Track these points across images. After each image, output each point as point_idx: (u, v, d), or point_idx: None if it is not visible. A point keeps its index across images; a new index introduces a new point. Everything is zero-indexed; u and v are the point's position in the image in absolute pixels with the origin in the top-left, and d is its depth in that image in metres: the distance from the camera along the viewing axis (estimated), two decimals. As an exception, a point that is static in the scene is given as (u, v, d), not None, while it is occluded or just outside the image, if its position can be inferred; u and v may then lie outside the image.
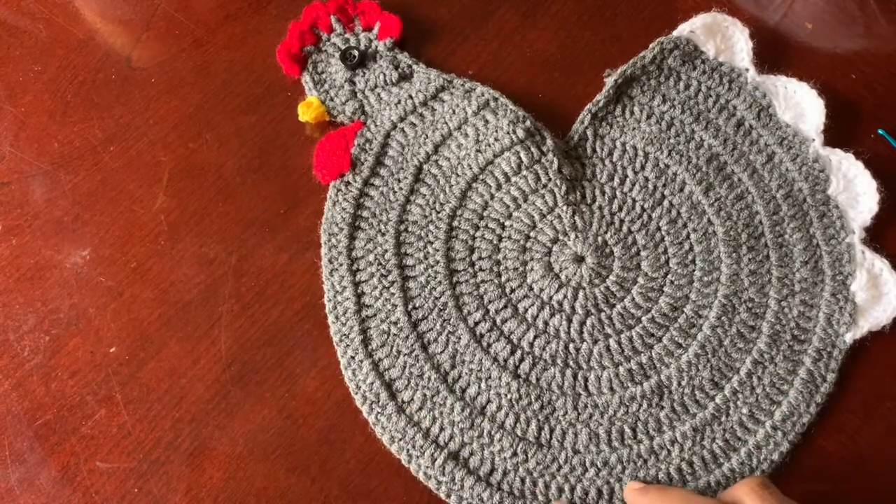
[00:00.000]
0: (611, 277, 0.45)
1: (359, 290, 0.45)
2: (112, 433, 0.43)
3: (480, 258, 0.46)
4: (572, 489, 0.41)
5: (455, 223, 0.46)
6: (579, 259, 0.46)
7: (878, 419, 0.43)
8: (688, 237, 0.46)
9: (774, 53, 0.51)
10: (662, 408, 0.42)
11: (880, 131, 0.49)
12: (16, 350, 0.44)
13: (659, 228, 0.46)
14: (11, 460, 0.42)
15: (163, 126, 0.50)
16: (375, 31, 0.51)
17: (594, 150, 0.48)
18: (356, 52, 0.50)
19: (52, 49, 0.52)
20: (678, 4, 0.53)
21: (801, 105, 0.48)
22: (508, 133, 0.46)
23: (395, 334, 0.44)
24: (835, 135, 0.47)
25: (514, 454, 0.41)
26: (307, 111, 0.48)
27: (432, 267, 0.45)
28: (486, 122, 0.47)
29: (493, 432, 0.42)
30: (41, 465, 0.42)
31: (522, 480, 0.41)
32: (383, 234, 0.46)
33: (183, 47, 0.52)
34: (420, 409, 0.42)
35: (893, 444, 0.43)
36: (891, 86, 0.51)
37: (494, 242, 0.46)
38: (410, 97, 0.49)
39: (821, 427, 0.43)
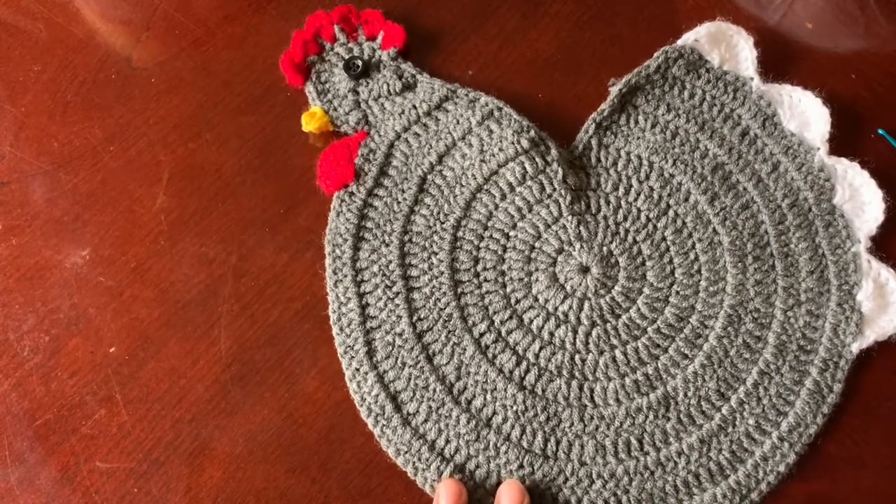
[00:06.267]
0: (616, 288, 0.45)
1: (363, 302, 0.45)
2: (112, 433, 0.43)
3: (485, 269, 0.46)
4: (579, 501, 0.41)
5: (459, 234, 0.46)
6: (584, 269, 0.45)
7: (879, 419, 0.43)
8: (693, 247, 0.46)
9: (774, 54, 0.51)
10: (669, 419, 0.42)
11: (880, 131, 0.49)
12: (16, 350, 0.44)
13: (664, 238, 0.46)
14: (11, 460, 0.42)
15: (163, 126, 0.50)
16: (379, 40, 0.51)
17: (599, 160, 0.48)
18: (360, 62, 0.49)
19: (52, 49, 0.52)
20: (678, 4, 0.53)
21: (806, 114, 0.48)
22: (513, 143, 0.46)
23: (399, 346, 0.44)
24: (834, 135, 0.47)
25: (521, 466, 0.41)
26: (311, 121, 0.48)
27: (437, 278, 0.45)
28: (491, 132, 0.47)
29: (499, 444, 0.42)
30: (41, 465, 0.42)
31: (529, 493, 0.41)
32: (387, 245, 0.46)
33: (183, 47, 0.52)
34: (425, 421, 0.42)
35: (894, 445, 0.43)
36: (891, 86, 0.51)
37: (499, 253, 0.46)
38: (414, 107, 0.49)
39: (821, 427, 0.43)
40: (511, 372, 0.43)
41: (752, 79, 0.49)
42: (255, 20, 0.53)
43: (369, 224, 0.46)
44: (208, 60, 0.52)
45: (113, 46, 0.52)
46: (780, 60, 0.51)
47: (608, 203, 0.47)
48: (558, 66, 0.52)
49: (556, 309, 0.44)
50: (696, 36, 0.49)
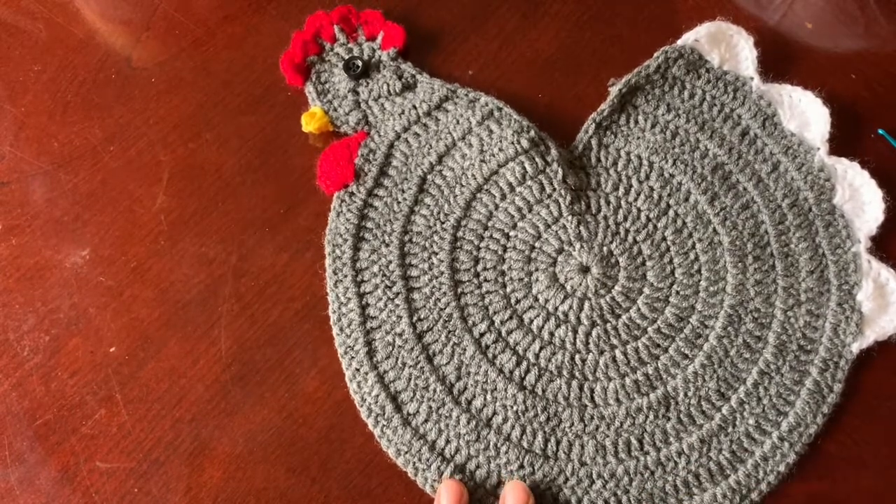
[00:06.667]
0: (616, 288, 0.45)
1: (363, 302, 0.45)
2: (112, 433, 0.43)
3: (485, 269, 0.46)
4: (579, 501, 0.41)
5: (459, 234, 0.46)
6: (584, 269, 0.45)
7: (879, 419, 0.43)
8: (693, 247, 0.46)
9: (774, 54, 0.51)
10: (669, 419, 0.42)
11: (880, 131, 0.49)
12: (16, 350, 0.44)
13: (664, 238, 0.46)
14: (11, 460, 0.42)
15: (163, 126, 0.50)
16: (379, 40, 0.51)
17: (599, 160, 0.48)
18: (360, 63, 0.49)
19: (52, 49, 0.52)
20: (678, 4, 0.53)
21: (806, 114, 0.48)
22: (513, 143, 0.46)
23: (400, 346, 0.44)
24: (834, 135, 0.47)
25: (521, 466, 0.41)
26: (311, 121, 0.48)
27: (437, 278, 0.45)
28: (491, 132, 0.47)
29: (499, 444, 0.42)
30: (41, 465, 0.42)
31: (529, 493, 0.41)
32: (387, 245, 0.46)
33: (183, 47, 0.52)
34: (426, 421, 0.42)
35: (894, 445, 0.43)
36: (891, 86, 0.51)
37: (499, 253, 0.46)
38: (414, 107, 0.49)
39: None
40: (511, 372, 0.43)
41: (752, 79, 0.49)
42: (255, 20, 0.53)
43: (369, 224, 0.46)
44: (208, 60, 0.52)
45: (113, 46, 0.52)
46: (780, 60, 0.51)
47: (608, 203, 0.47)
48: (558, 66, 0.52)
49: (556, 309, 0.44)
50: (696, 36, 0.49)
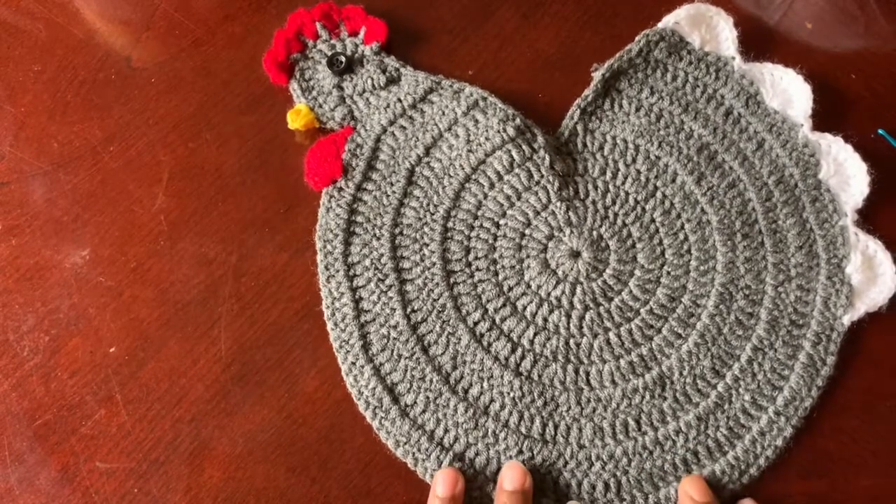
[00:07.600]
0: (607, 271, 0.45)
1: (356, 296, 0.45)
2: (112, 433, 0.43)
3: (477, 258, 0.46)
4: (579, 484, 0.41)
5: (450, 224, 0.46)
6: (575, 254, 0.46)
7: (878, 418, 0.43)
8: (682, 227, 0.46)
9: (774, 53, 0.51)
10: (665, 398, 0.43)
11: (880, 131, 0.49)
12: (16, 350, 0.44)
13: (653, 220, 0.46)
14: (11, 460, 0.42)
15: (163, 126, 0.50)
16: (361, 35, 0.51)
17: (585, 145, 0.48)
18: (343, 58, 0.49)
19: (52, 49, 0.52)
20: (679, 5, 0.53)
21: (788, 91, 0.48)
22: (499, 132, 0.46)
23: (394, 338, 0.44)
24: (835, 135, 0.47)
25: (520, 452, 0.41)
26: (296, 119, 0.48)
27: (429, 269, 0.45)
28: (476, 121, 0.47)
29: (497, 431, 0.42)
30: (41, 465, 0.42)
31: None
32: (378, 239, 0.46)
33: (183, 47, 0.52)
34: (423, 411, 0.42)
35: (893, 444, 0.43)
36: (891, 86, 0.51)
37: (490, 242, 0.46)
38: (399, 100, 0.49)
39: (821, 426, 0.43)
40: (507, 359, 0.43)
41: (733, 58, 0.49)
42: (255, 20, 0.53)
43: (359, 218, 0.47)
44: (208, 60, 0.52)
45: (113, 46, 0.52)
46: (779, 60, 0.50)
47: (596, 188, 0.47)
48: (558, 66, 0.52)
49: (548, 294, 0.45)
50: (676, 18, 0.49)
